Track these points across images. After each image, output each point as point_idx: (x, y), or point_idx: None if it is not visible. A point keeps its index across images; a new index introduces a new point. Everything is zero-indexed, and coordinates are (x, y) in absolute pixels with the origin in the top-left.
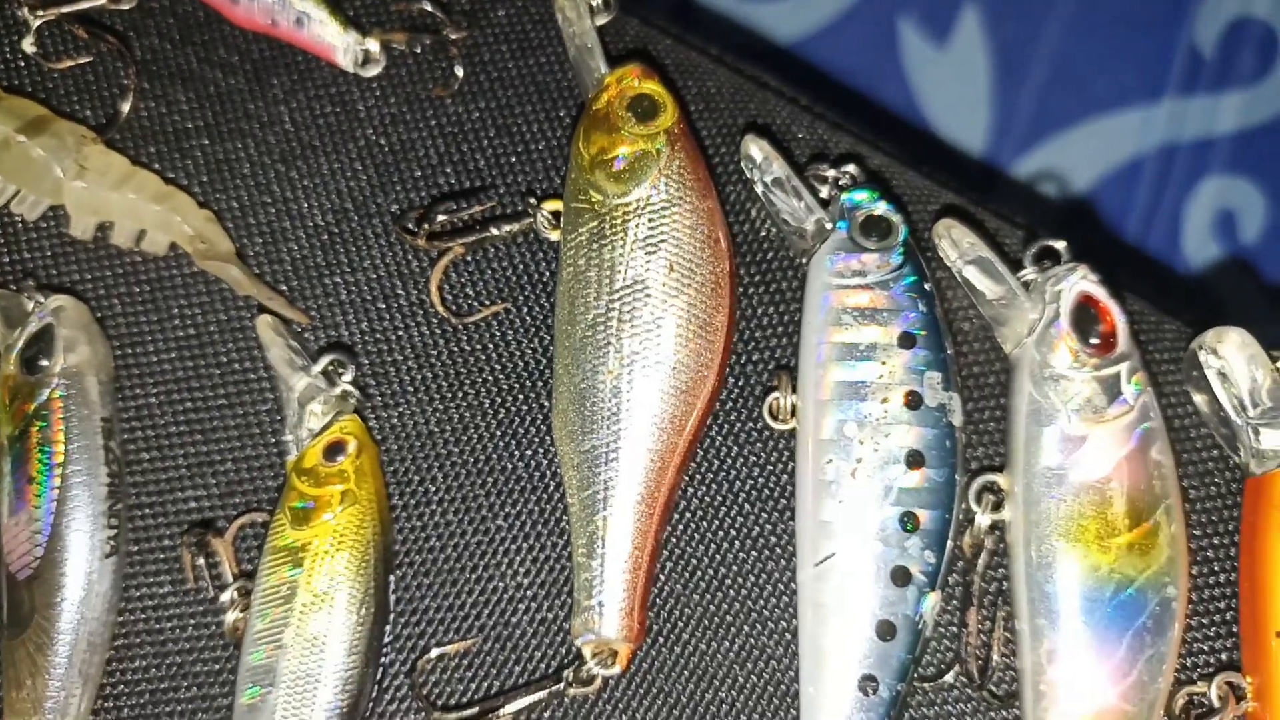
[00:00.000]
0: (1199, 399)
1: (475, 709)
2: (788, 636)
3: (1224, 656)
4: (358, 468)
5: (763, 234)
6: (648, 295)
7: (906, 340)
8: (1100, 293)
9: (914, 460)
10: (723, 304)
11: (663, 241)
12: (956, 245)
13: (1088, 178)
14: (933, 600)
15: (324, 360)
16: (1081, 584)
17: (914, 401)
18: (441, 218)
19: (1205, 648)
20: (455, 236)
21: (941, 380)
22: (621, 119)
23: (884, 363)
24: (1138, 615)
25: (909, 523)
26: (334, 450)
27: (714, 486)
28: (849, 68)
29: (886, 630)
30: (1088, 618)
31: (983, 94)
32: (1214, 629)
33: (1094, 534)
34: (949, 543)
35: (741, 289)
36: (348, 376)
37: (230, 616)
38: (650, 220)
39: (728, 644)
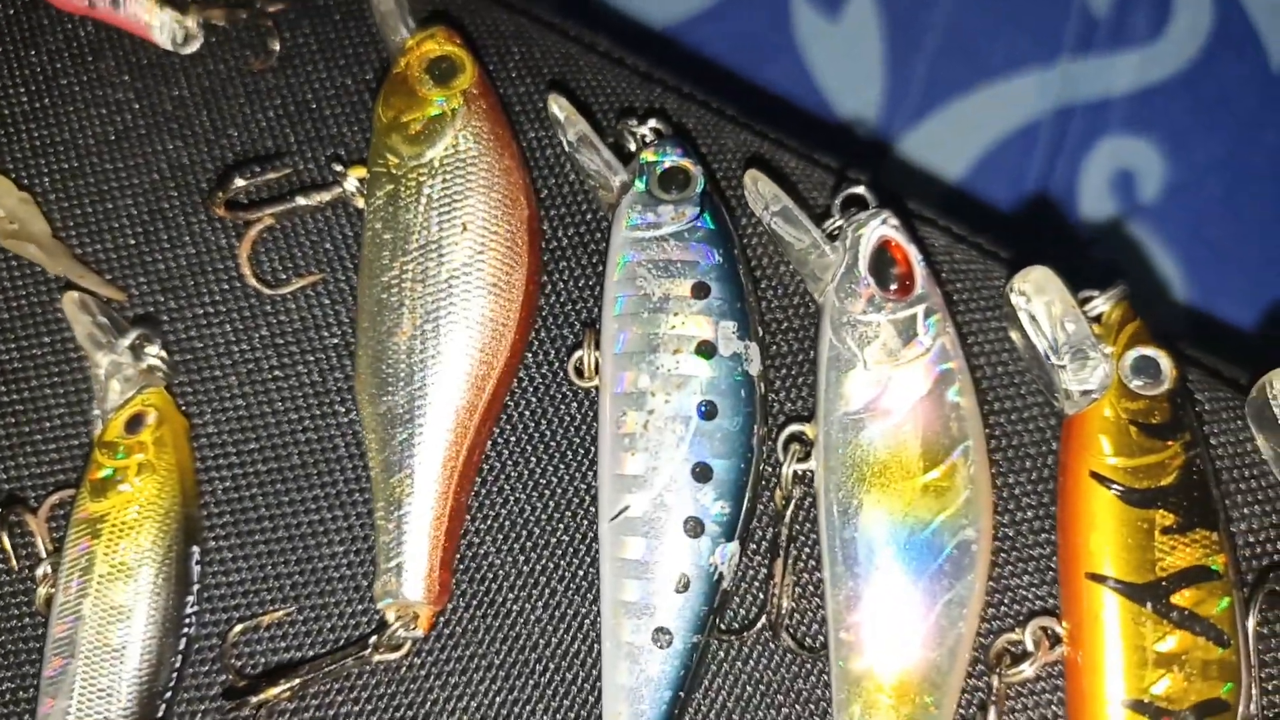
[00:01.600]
0: (1017, 340)
1: (282, 680)
2: (595, 594)
3: (1049, 603)
4: (158, 439)
5: (578, 191)
6: (441, 255)
7: (700, 290)
8: (898, 236)
9: (707, 410)
10: (521, 262)
11: (456, 201)
12: (762, 196)
13: (983, 143)
14: (730, 550)
15: (130, 335)
16: (877, 528)
17: (707, 350)
18: (242, 183)
19: (1028, 594)
20: (264, 207)
21: (736, 329)
22: (419, 81)
23: (676, 314)
24: (934, 558)
25: (701, 473)
26: (135, 422)
27: (524, 446)
28: (743, 44)
29: (681, 582)
30: (883, 562)
31: (876, 64)
32: (1036, 575)
33: (889, 477)
34: (748, 492)
35: (557, 245)
36: (153, 350)
37: (41, 591)
38: (444, 180)
39: (539, 603)
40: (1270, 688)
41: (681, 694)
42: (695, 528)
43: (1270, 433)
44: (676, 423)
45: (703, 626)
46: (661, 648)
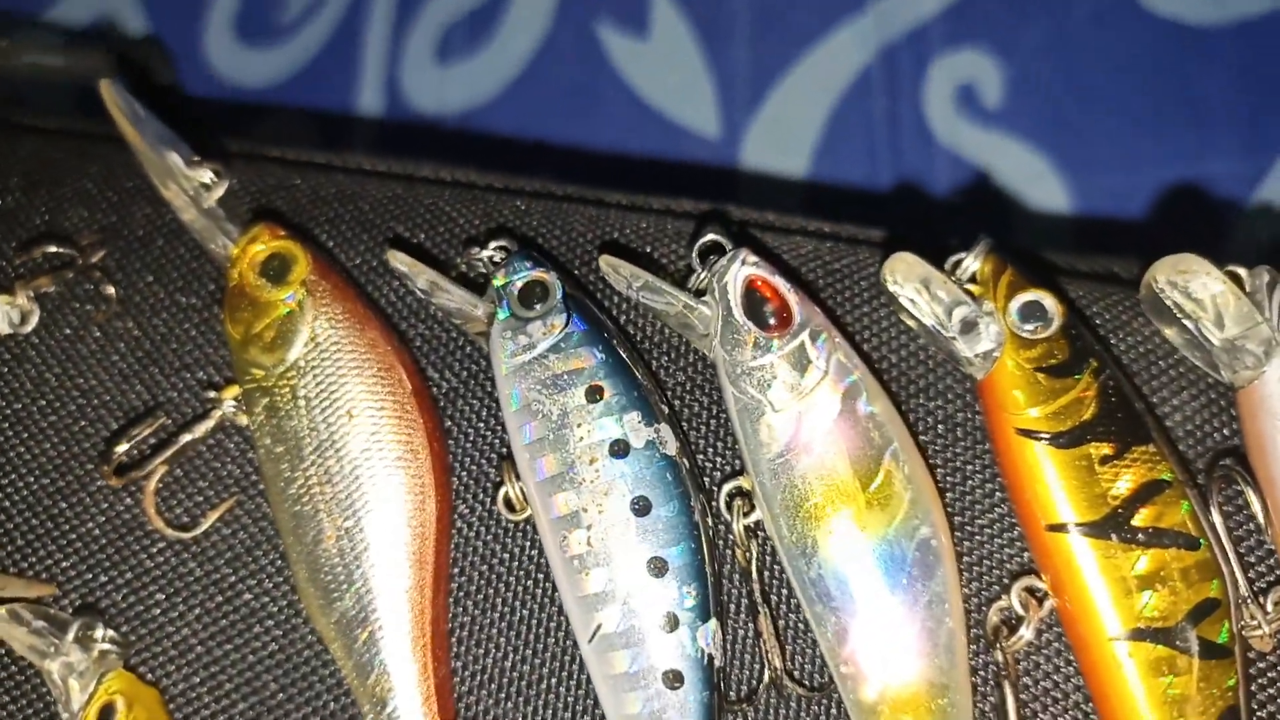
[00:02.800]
0: (910, 322)
1: None
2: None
3: (1025, 559)
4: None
5: (452, 329)
6: (338, 450)
7: (594, 393)
8: (762, 273)
9: (640, 506)
10: (416, 425)
11: (334, 392)
12: (623, 277)
13: (825, 108)
14: (710, 629)
15: (71, 629)
16: (838, 559)
17: (621, 450)
18: (124, 447)
19: (1005, 558)
20: (153, 458)
21: (641, 417)
22: (257, 287)
23: (580, 424)
24: (901, 567)
25: (658, 568)
26: (106, 715)
27: (486, 593)
28: (570, 95)
29: (674, 678)
30: (856, 588)
31: (699, 68)
32: (1006, 537)
33: (831, 506)
34: (708, 568)
35: (449, 387)
36: (100, 634)
37: None
38: (315, 376)
39: None
40: (1253, 559)
41: None
42: (670, 622)
43: (1171, 323)
44: (616, 529)
45: (710, 711)
46: None
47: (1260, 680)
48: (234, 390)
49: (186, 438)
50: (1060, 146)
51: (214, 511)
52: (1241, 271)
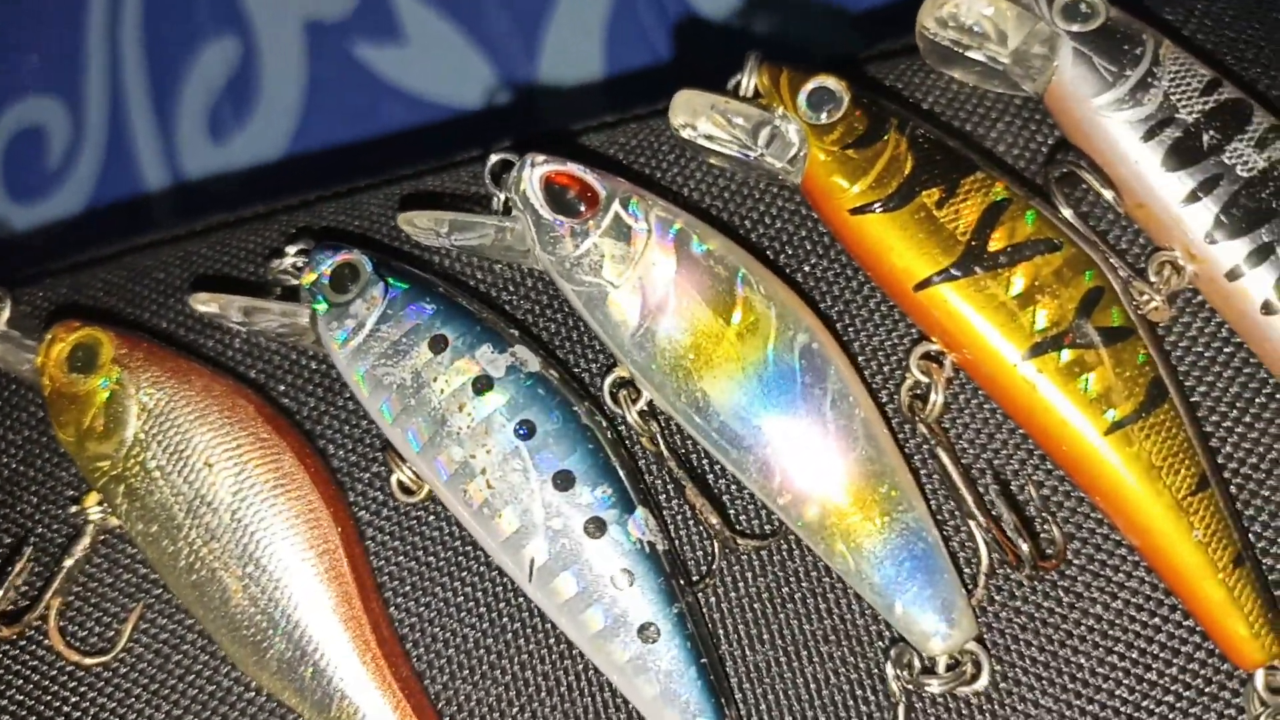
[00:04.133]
0: (720, 163)
1: None
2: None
3: (916, 333)
4: None
5: (288, 347)
6: (210, 503)
7: (437, 343)
8: (553, 165)
9: (526, 429)
10: (280, 445)
11: (182, 450)
12: (428, 227)
13: (596, 29)
14: (640, 517)
15: None
16: (731, 399)
17: (484, 384)
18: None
19: (897, 338)
20: (42, 597)
21: (492, 348)
22: (70, 384)
23: (435, 378)
24: (793, 380)
25: (563, 481)
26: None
27: (423, 583)
28: (350, 118)
29: (623, 577)
30: (759, 420)
31: (464, 45)
32: (889, 318)
33: (705, 353)
34: (614, 461)
35: (303, 403)
36: None
37: None
38: (158, 443)
39: (538, 697)
40: (1124, 241)
41: (704, 661)
42: (597, 527)
43: (958, 63)
44: (511, 460)
45: (673, 594)
46: (655, 641)
47: (1175, 351)
48: (93, 495)
49: (68, 563)
50: None
51: (127, 624)
52: None
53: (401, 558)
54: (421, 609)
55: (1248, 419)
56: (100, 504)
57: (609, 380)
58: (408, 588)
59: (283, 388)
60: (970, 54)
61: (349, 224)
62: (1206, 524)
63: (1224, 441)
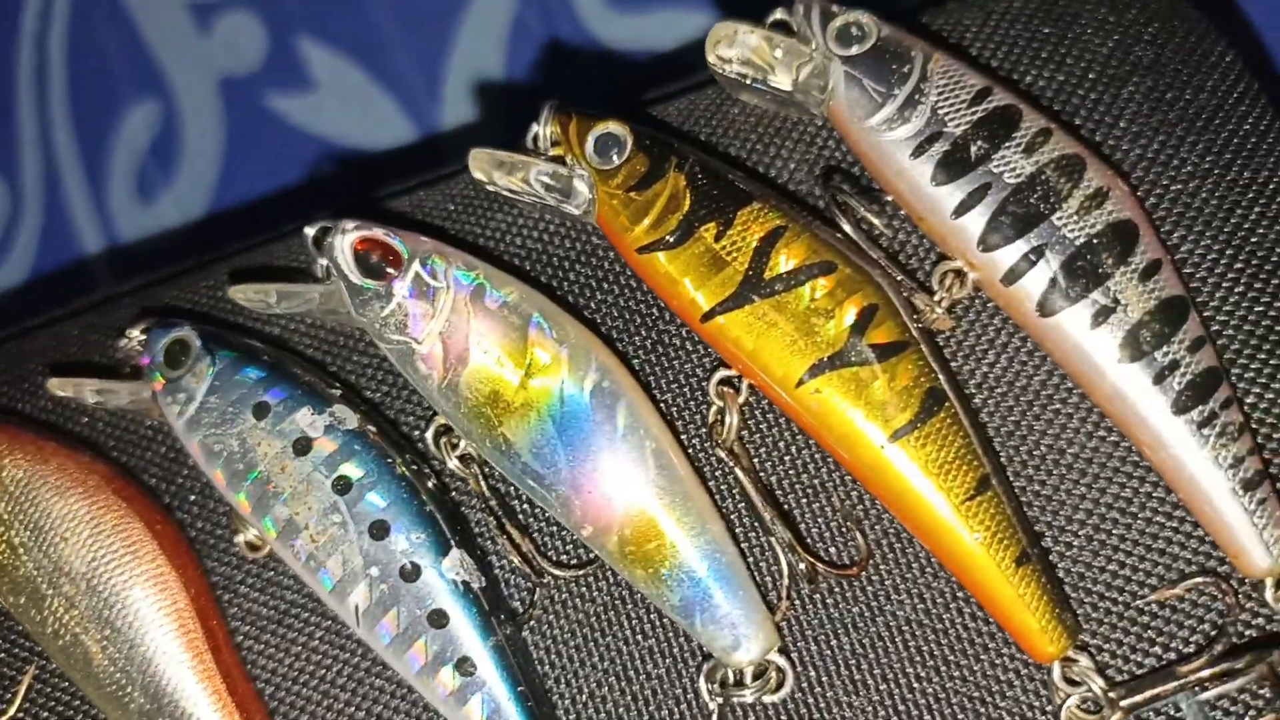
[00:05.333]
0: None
1: None
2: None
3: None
4: None
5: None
6: (67, 574)
7: (260, 410)
8: (362, 233)
9: (341, 485)
10: (131, 515)
11: (41, 525)
12: (255, 300)
13: (498, 55)
14: (454, 559)
15: None
16: (530, 441)
17: (303, 447)
18: None
19: (704, 364)
20: None
21: (311, 410)
22: None
23: (259, 444)
24: (586, 419)
25: (379, 531)
26: None
27: (281, 636)
28: (272, 169)
29: (439, 617)
30: (554, 457)
31: (371, 86)
32: (692, 347)
33: (503, 400)
34: (428, 507)
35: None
36: None
37: None
38: (20, 521)
39: None
40: (910, 252)
41: (522, 689)
42: (412, 572)
43: (748, 93)
44: (330, 515)
45: (490, 629)
46: (473, 674)
47: (958, 352)
48: None
49: None
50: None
51: (19, 689)
52: (787, 15)
53: (261, 608)
54: (281, 654)
55: (1035, 415)
56: None
57: (431, 430)
58: (268, 636)
59: (143, 462)
60: (755, 85)
61: (186, 300)
62: (987, 525)
63: (1011, 438)
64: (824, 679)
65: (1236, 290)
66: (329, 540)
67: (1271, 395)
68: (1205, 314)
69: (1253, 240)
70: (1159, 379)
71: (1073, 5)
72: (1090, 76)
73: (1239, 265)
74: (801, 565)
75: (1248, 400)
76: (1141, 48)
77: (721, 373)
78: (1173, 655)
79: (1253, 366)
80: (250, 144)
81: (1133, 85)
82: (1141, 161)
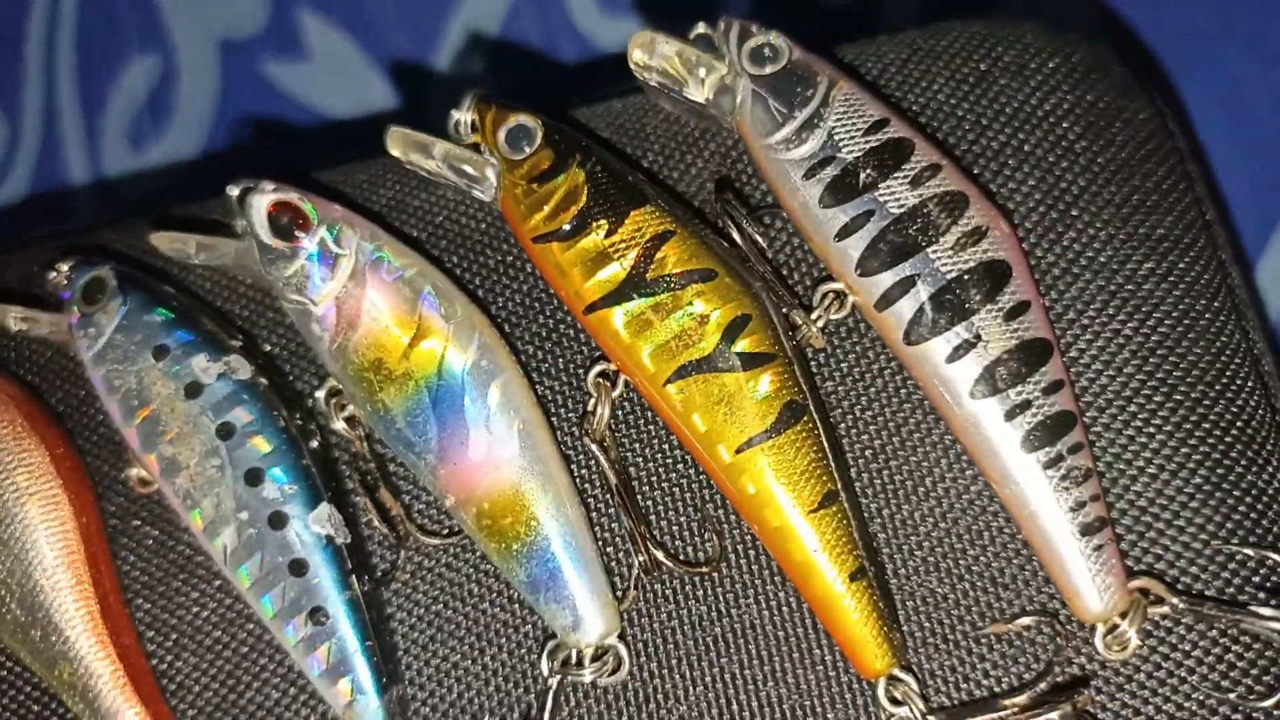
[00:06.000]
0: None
1: None
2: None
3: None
4: None
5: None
6: None
7: (160, 352)
8: (278, 195)
9: (223, 429)
10: (34, 439)
11: None
12: (173, 249)
13: (492, 34)
14: (321, 514)
15: None
16: (404, 409)
17: (194, 390)
18: None
19: (584, 353)
20: None
21: (207, 357)
22: None
23: (155, 383)
24: (458, 393)
25: (252, 477)
26: None
27: (160, 564)
28: (253, 133)
29: (298, 567)
30: (427, 426)
31: (362, 62)
32: (573, 337)
33: (386, 367)
34: (304, 461)
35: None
36: None
37: None
38: None
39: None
40: (800, 272)
41: (370, 643)
42: (277, 519)
43: (667, 100)
44: (210, 458)
45: (346, 584)
46: (323, 623)
47: (832, 371)
48: None
49: None
50: None
51: None
52: (710, 30)
53: (150, 542)
54: (161, 587)
55: (896, 440)
56: None
57: (324, 390)
58: (153, 568)
59: (54, 391)
60: (672, 94)
61: (133, 246)
62: (827, 538)
63: (872, 461)
64: (663, 671)
65: (1114, 343)
66: (206, 481)
67: (1133, 448)
68: (1079, 362)
69: (1138, 295)
70: (1010, 416)
71: (995, 50)
72: (1001, 120)
73: (1120, 318)
74: (643, 558)
75: (1110, 448)
76: (1057, 97)
77: (600, 366)
78: (1001, 688)
79: (1119, 418)
80: (241, 106)
81: (1042, 132)
82: (1039, 207)
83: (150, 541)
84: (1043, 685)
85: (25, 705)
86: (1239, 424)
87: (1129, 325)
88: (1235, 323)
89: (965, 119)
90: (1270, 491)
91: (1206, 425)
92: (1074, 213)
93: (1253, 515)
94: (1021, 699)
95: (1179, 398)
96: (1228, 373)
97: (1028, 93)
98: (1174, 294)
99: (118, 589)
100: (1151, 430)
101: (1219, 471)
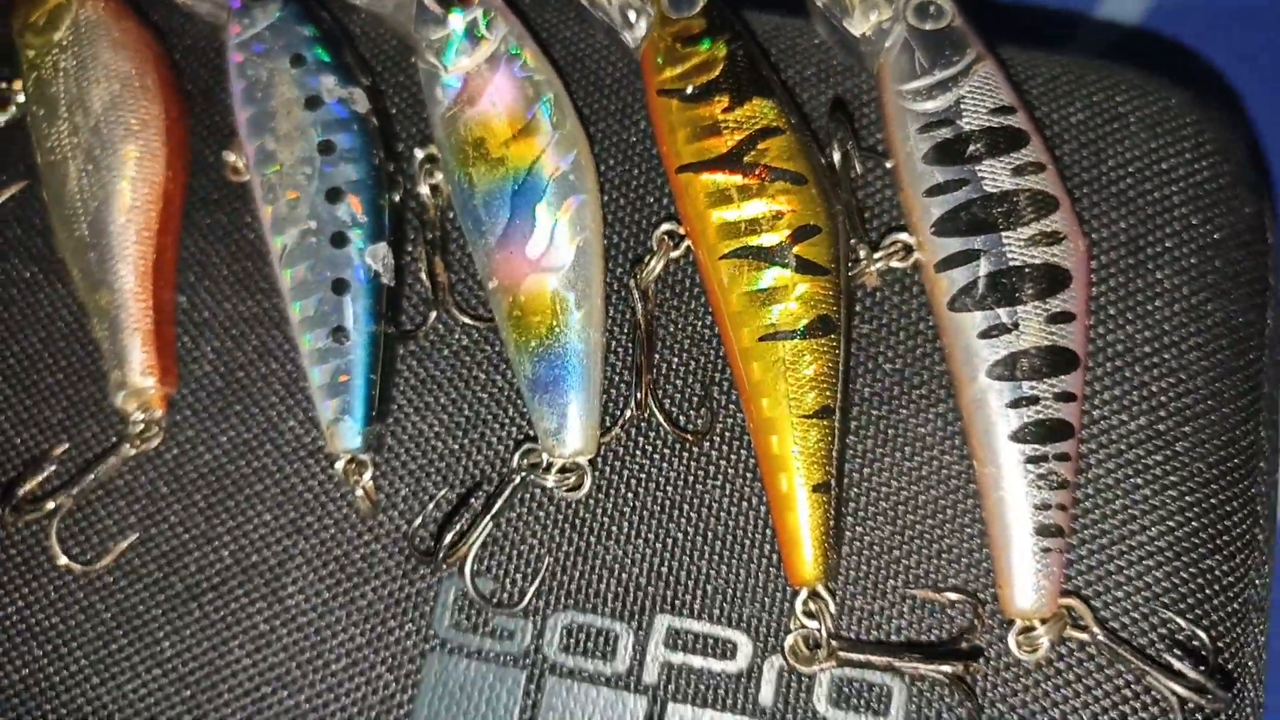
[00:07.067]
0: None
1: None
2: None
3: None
4: None
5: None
6: (86, 108)
7: (298, 60)
8: None
9: (325, 147)
10: (156, 97)
11: (88, 63)
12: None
13: None
14: (380, 250)
15: None
16: (486, 189)
17: (314, 103)
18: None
19: (656, 207)
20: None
21: (337, 81)
22: None
23: (282, 84)
24: (537, 195)
25: (333, 195)
26: None
27: (229, 248)
28: None
29: (341, 286)
30: (500, 212)
31: None
32: (654, 185)
33: (485, 148)
34: (381, 201)
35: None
36: None
37: None
38: (74, 51)
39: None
40: (881, 209)
41: (374, 378)
42: (339, 239)
43: (823, 23)
44: (303, 165)
45: (375, 319)
46: (342, 343)
47: (874, 314)
48: (18, 81)
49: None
50: None
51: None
52: None
53: (218, 226)
54: (210, 267)
55: (905, 394)
56: (26, 91)
57: (423, 153)
58: (210, 249)
59: (189, 71)
60: (833, 21)
61: None
62: (808, 445)
63: (873, 403)
64: (614, 512)
65: (1138, 393)
66: (292, 183)
67: (1118, 490)
68: (1098, 392)
69: (1178, 364)
70: (1015, 404)
71: (1139, 99)
72: (1118, 159)
73: (1152, 374)
74: (640, 396)
75: (1098, 479)
76: (1175, 161)
77: (670, 225)
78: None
79: (1116, 459)
80: None
81: (1150, 185)
82: (1120, 248)
83: (218, 226)
84: (941, 650)
85: None
86: (1223, 516)
87: (1156, 384)
88: (1254, 428)
89: (1087, 145)
90: (1226, 583)
91: (1192, 501)
92: (1150, 266)
93: (1200, 595)
94: (918, 653)
95: (1178, 467)
96: (1228, 466)
97: (1152, 147)
98: (1208, 376)
99: (175, 253)
100: (1140, 483)
101: (1186, 547)
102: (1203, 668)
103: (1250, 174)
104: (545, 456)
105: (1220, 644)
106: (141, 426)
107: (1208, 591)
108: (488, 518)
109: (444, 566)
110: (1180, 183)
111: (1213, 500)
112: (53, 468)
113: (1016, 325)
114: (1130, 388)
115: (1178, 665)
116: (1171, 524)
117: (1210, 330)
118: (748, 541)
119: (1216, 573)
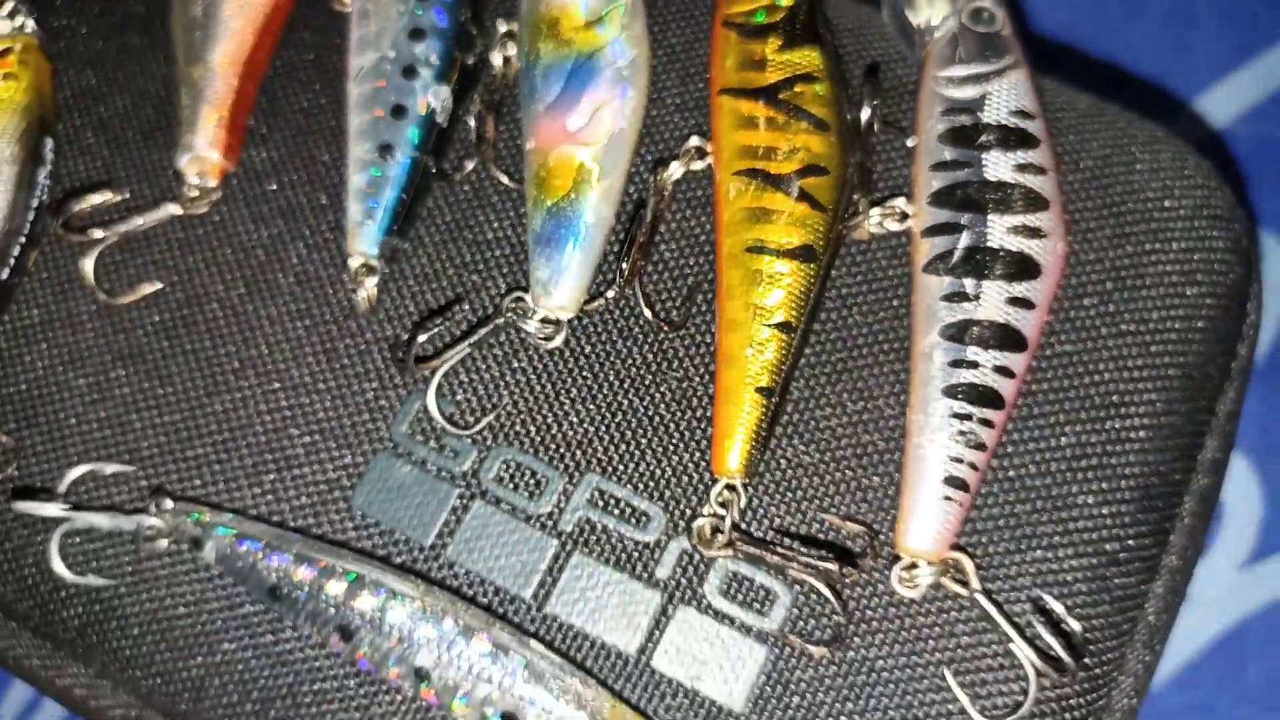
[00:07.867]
0: None
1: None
2: None
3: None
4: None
5: None
6: None
7: None
8: None
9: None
10: None
11: None
12: None
13: None
14: (442, 92)
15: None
16: (548, 63)
17: None
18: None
19: (681, 122)
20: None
21: None
22: None
23: None
24: (597, 77)
25: (415, 33)
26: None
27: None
28: None
29: (399, 110)
30: (553, 87)
31: None
32: (692, 106)
33: (559, 27)
34: (456, 47)
35: None
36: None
37: None
38: None
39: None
40: (895, 170)
41: (405, 196)
42: (410, 71)
43: (886, 6)
44: (397, 3)
45: (421, 148)
46: (385, 160)
47: (853, 266)
48: None
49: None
50: None
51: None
52: None
53: (309, 53)
54: (286, 77)
55: (863, 344)
56: None
57: (505, 26)
58: (294, 69)
59: None
60: (898, 5)
61: None
62: (762, 349)
63: (834, 343)
64: (575, 377)
65: (1074, 409)
66: (385, 17)
67: (1035, 476)
68: (1038, 386)
69: (1124, 395)
70: (955, 364)
71: (1157, 155)
72: (1122, 204)
73: (1094, 402)
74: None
75: (1020, 451)
76: (1175, 229)
77: (699, 140)
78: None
79: (1039, 446)
80: None
81: (1144, 235)
82: (1103, 279)
83: (309, 53)
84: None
85: None
86: (1136, 535)
87: (1101, 400)
88: (1183, 474)
89: (1096, 181)
90: (1118, 597)
91: (1108, 514)
92: (1124, 296)
93: (1091, 600)
94: (807, 557)
95: (1102, 478)
96: (1153, 494)
97: (1156, 205)
98: (1154, 408)
99: (268, 55)
100: (1060, 480)
101: (1093, 562)
102: (1070, 649)
103: (1251, 268)
104: (531, 305)
105: (1095, 647)
106: (196, 194)
107: (1100, 597)
108: (465, 344)
109: (415, 379)
110: (1176, 245)
111: (1126, 519)
112: (105, 199)
113: (978, 297)
114: (1076, 396)
115: (1045, 636)
116: (1080, 525)
117: (1165, 379)
118: (688, 432)
119: (1114, 584)
